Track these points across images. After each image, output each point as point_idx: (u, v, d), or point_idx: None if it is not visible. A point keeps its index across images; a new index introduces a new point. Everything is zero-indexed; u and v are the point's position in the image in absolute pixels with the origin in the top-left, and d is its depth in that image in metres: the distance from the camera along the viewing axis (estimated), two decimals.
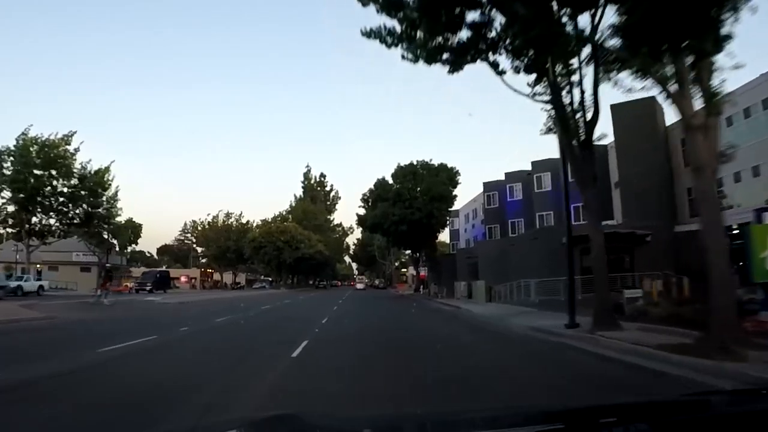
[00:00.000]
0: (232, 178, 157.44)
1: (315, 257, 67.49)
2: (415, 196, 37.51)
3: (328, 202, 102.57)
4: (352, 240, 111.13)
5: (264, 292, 59.35)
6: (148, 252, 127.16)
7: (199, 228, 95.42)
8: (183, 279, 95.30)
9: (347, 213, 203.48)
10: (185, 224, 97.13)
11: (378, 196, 39.26)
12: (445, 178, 38.22)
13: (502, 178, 43.27)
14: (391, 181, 39.65)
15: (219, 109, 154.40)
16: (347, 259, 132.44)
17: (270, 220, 78.60)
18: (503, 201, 42.60)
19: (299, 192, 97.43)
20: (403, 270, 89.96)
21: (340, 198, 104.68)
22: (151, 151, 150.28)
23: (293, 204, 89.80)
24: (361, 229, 44.82)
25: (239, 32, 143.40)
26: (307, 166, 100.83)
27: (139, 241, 64.36)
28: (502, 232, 41.83)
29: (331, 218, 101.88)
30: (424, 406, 5.24)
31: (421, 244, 41.88)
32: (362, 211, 43.67)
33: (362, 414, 4.21)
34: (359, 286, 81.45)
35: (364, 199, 42.21)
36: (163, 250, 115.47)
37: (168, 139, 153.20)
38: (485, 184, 44.37)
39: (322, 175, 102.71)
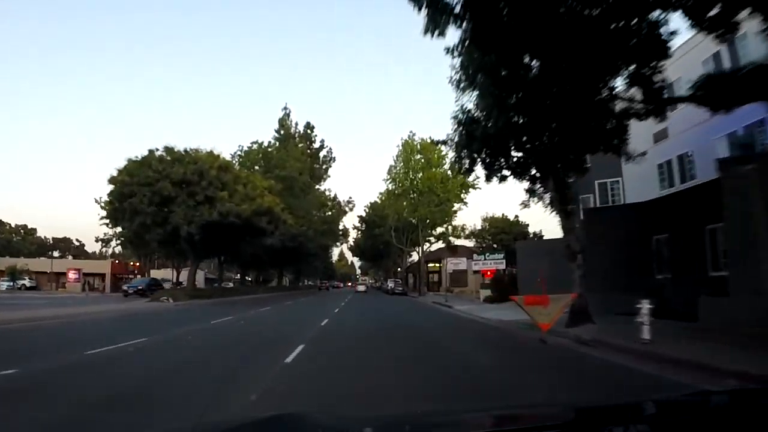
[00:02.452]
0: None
1: (257, 226, 30.51)
2: None
3: (317, 165, 67.40)
4: (351, 224, 76.57)
5: (154, 305, 25.22)
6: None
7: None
8: (71, 276, 60.29)
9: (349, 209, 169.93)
10: None
11: None
12: None
13: None
14: None
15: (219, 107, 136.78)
16: (349, 256, 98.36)
17: None
18: None
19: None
20: (432, 265, 54.05)
21: (334, 159, 69.69)
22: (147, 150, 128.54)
23: (247, 148, 53.94)
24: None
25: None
26: (285, 108, 65.56)
27: None
28: None
29: (320, 188, 66.81)
30: (425, 406, 4.81)
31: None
32: None
33: (363, 414, 3.97)
34: (360, 288, 67.83)
35: None
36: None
37: (168, 137, 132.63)
38: None
39: (309, 126, 67.37)
